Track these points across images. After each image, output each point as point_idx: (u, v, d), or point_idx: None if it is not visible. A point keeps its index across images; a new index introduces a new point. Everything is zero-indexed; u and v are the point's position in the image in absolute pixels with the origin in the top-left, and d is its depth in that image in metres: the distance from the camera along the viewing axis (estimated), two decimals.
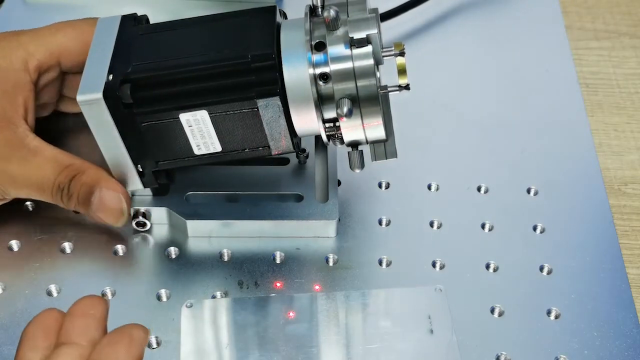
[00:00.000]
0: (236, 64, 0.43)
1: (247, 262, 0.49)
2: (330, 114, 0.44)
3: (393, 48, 0.44)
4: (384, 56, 0.44)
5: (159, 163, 0.47)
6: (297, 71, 0.43)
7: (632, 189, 0.56)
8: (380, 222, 0.52)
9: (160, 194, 0.50)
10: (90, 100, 0.44)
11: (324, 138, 0.45)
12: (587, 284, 0.48)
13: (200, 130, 0.45)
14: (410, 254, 0.50)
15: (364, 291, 0.47)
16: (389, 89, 0.45)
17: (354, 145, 0.46)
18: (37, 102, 0.49)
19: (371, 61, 0.43)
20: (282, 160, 0.53)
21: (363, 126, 0.44)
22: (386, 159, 0.47)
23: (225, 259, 0.49)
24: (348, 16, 0.44)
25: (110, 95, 0.43)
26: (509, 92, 0.62)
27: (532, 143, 0.58)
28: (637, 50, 0.68)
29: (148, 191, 0.50)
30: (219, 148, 0.46)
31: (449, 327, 0.46)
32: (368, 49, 0.43)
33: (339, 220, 0.51)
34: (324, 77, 0.43)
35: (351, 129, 0.44)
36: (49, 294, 0.47)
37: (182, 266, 0.49)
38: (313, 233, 0.50)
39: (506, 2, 0.71)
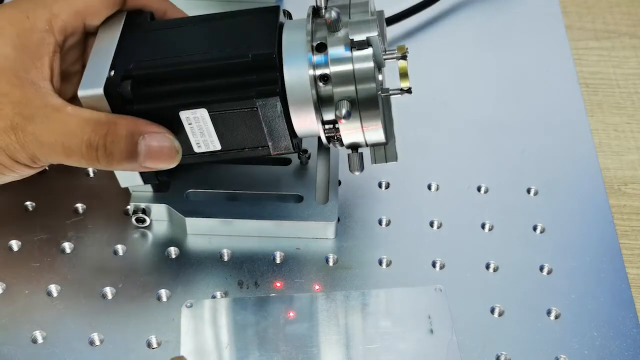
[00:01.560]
0: (237, 63, 0.43)
1: (247, 262, 0.49)
2: (329, 115, 0.44)
3: (396, 51, 0.44)
4: (386, 59, 0.44)
5: None
6: (297, 72, 0.43)
7: (632, 189, 0.56)
8: (380, 222, 0.52)
9: (161, 191, 0.50)
10: (91, 95, 0.44)
11: (324, 140, 0.45)
12: (587, 284, 0.49)
13: (200, 129, 0.45)
14: (410, 254, 0.50)
15: (364, 291, 0.47)
16: (390, 92, 0.45)
17: (354, 147, 0.46)
18: (62, 66, 0.47)
19: (371, 64, 0.43)
20: (284, 161, 0.53)
21: (362, 129, 0.44)
22: (386, 162, 0.47)
23: (225, 259, 0.49)
24: (350, 18, 0.44)
25: (111, 91, 0.44)
26: (509, 91, 0.62)
27: (532, 143, 0.58)
28: (637, 50, 0.68)
29: (149, 187, 0.50)
30: (218, 147, 0.46)
31: (449, 327, 0.46)
32: (368, 51, 0.43)
33: (339, 220, 0.51)
34: (324, 78, 0.43)
35: (350, 132, 0.44)
36: (49, 294, 0.47)
37: (182, 266, 0.49)
38: (312, 234, 0.50)
39: (506, 1, 0.71)
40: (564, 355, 0.45)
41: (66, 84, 0.48)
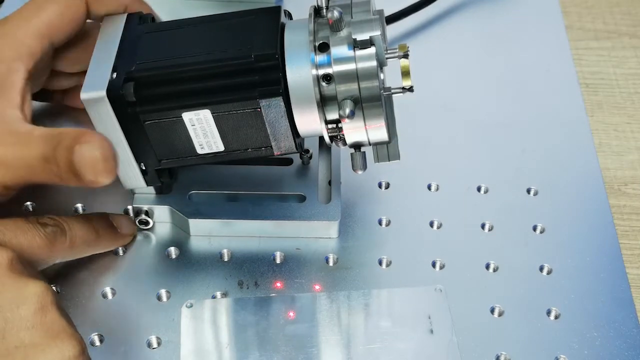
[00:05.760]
0: (239, 63, 0.43)
1: (247, 262, 0.49)
2: (332, 115, 0.44)
3: (397, 49, 0.44)
4: (387, 58, 0.44)
5: (162, 161, 0.47)
6: (300, 72, 0.43)
7: (632, 189, 0.56)
8: (380, 222, 0.52)
9: (164, 193, 0.50)
10: (93, 98, 0.44)
11: (327, 139, 0.45)
12: (587, 284, 0.49)
13: (203, 130, 0.45)
14: (410, 254, 0.50)
15: (364, 291, 0.47)
16: (392, 91, 0.45)
17: (357, 146, 0.46)
18: (36, 86, 0.48)
19: (374, 63, 0.43)
20: (286, 161, 0.53)
21: (365, 128, 0.44)
22: (389, 160, 0.47)
23: (226, 259, 0.49)
24: (352, 17, 0.44)
25: (113, 93, 0.44)
26: (509, 92, 0.62)
27: (532, 143, 0.58)
28: (637, 50, 0.68)
29: (151, 189, 0.50)
30: (221, 147, 0.46)
31: (449, 327, 0.46)
32: (371, 50, 0.43)
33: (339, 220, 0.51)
34: (327, 78, 0.43)
35: (353, 131, 0.44)
36: None
37: (183, 266, 0.49)
38: (315, 234, 0.50)
39: (506, 2, 0.71)
40: (564, 355, 0.45)
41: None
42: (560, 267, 0.49)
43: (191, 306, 0.46)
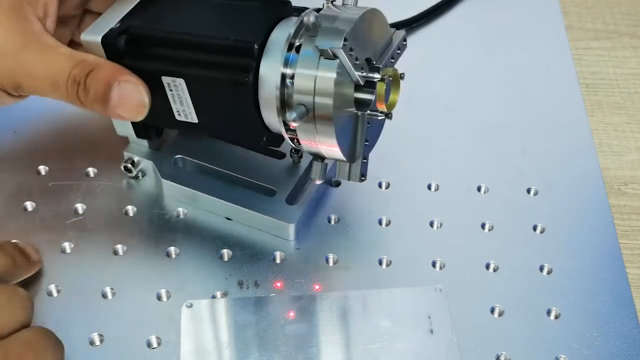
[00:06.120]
0: (219, 44, 0.44)
1: (247, 262, 0.49)
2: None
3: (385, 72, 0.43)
4: (365, 77, 0.42)
5: (147, 118, 0.47)
6: (271, 66, 0.43)
7: (632, 189, 0.56)
8: (380, 222, 0.52)
9: (152, 148, 0.53)
10: (90, 41, 0.46)
11: (287, 140, 0.45)
12: (587, 284, 0.49)
13: (179, 97, 0.46)
14: (410, 254, 0.50)
15: (364, 291, 0.47)
16: (369, 113, 0.44)
17: (317, 157, 0.45)
18: (62, 10, 0.48)
19: (332, 75, 0.41)
20: (278, 154, 0.53)
21: (318, 143, 0.43)
22: (348, 180, 0.46)
23: (225, 259, 0.49)
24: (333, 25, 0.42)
25: (108, 42, 0.46)
26: (509, 92, 0.62)
27: (532, 143, 0.58)
28: (637, 50, 0.68)
29: (145, 143, 0.52)
30: (195, 120, 0.47)
31: (449, 327, 0.46)
32: (333, 62, 0.41)
33: (339, 220, 0.51)
34: (294, 78, 0.42)
35: (307, 142, 0.44)
36: (49, 294, 0.47)
37: (183, 266, 0.49)
38: (272, 231, 0.50)
39: (506, 2, 0.71)
40: (564, 355, 0.45)
41: (64, 27, 0.50)
42: (560, 267, 0.49)
43: (191, 306, 0.46)
